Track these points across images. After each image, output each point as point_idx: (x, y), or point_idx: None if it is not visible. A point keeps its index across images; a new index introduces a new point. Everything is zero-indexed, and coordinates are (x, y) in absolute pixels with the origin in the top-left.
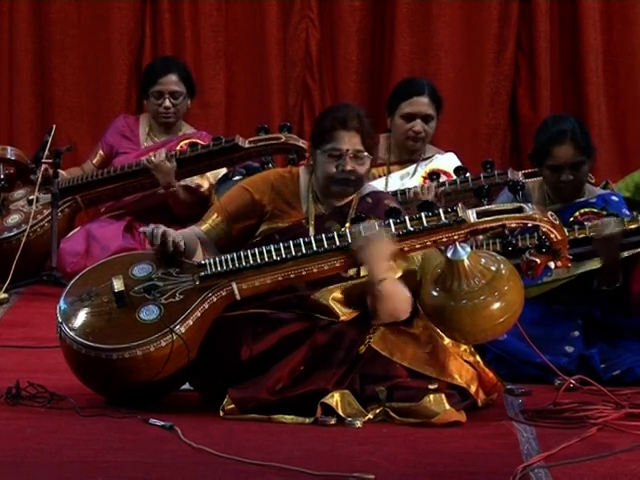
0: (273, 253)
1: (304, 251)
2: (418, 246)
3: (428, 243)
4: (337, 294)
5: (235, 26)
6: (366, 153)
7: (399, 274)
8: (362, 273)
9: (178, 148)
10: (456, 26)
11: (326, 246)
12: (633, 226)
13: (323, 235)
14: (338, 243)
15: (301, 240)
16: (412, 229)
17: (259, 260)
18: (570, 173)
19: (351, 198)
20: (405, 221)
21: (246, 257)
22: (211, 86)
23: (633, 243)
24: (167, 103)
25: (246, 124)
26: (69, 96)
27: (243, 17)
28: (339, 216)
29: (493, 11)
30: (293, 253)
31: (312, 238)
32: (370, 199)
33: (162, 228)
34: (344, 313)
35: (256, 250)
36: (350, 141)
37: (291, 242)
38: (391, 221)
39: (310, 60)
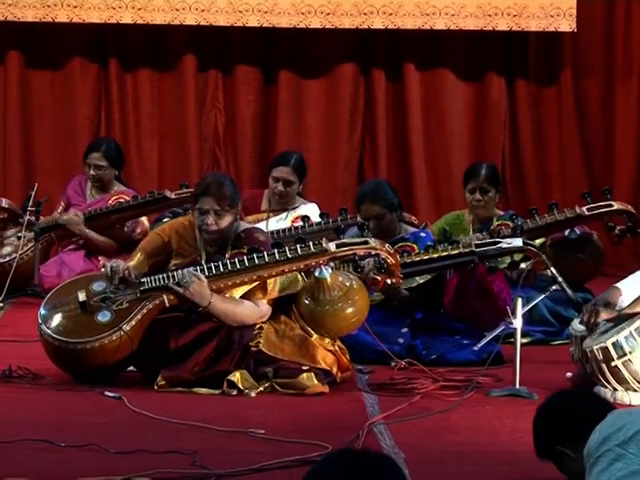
0: None
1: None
2: (294, 268)
3: (302, 266)
4: None
5: (165, 113)
6: (223, 210)
7: (235, 293)
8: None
9: (110, 202)
10: (320, 113)
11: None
12: (435, 255)
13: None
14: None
15: (204, 266)
16: (290, 256)
17: None
18: (374, 223)
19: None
20: (285, 251)
21: (173, 277)
22: (148, 156)
23: (435, 268)
24: (91, 172)
25: (173, 182)
26: (46, 163)
27: (170, 106)
28: (222, 251)
29: (346, 103)
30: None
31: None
32: (243, 234)
33: (111, 264)
34: None
35: (180, 271)
36: (209, 203)
37: (205, 266)
38: (276, 251)
39: (218, 137)
